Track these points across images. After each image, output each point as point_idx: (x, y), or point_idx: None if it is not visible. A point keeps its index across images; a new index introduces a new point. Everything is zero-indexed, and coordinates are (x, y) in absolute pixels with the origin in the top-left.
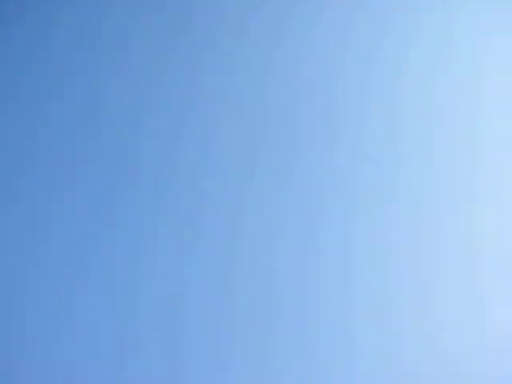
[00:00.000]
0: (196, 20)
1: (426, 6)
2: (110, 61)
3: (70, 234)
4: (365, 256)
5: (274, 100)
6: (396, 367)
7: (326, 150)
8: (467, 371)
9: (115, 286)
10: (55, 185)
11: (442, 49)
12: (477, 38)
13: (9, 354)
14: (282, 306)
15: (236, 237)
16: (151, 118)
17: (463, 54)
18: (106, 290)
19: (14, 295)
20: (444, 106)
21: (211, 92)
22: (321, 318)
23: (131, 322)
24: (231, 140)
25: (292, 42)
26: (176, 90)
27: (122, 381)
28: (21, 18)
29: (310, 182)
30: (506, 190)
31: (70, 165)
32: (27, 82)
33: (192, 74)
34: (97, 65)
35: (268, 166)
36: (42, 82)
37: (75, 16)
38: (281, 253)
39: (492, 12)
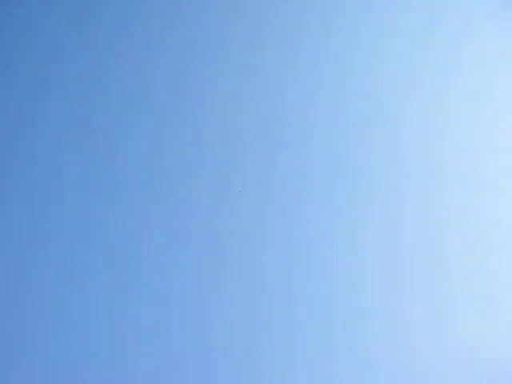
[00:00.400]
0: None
1: None
2: (110, 41)
3: (70, 234)
4: (345, 252)
5: (264, 93)
6: (374, 366)
7: (301, 150)
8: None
9: (114, 286)
10: (55, 184)
11: (425, 39)
12: (459, 26)
13: (9, 354)
14: (268, 300)
15: (223, 237)
16: (143, 110)
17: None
18: (105, 290)
19: (13, 295)
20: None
21: (201, 87)
22: (305, 313)
23: (131, 321)
24: (218, 134)
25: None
26: (166, 84)
27: (121, 380)
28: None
29: (298, 179)
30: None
31: (70, 164)
32: (26, 80)
33: (184, 63)
34: (96, 49)
35: (253, 162)
36: (42, 83)
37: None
38: (267, 249)
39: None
